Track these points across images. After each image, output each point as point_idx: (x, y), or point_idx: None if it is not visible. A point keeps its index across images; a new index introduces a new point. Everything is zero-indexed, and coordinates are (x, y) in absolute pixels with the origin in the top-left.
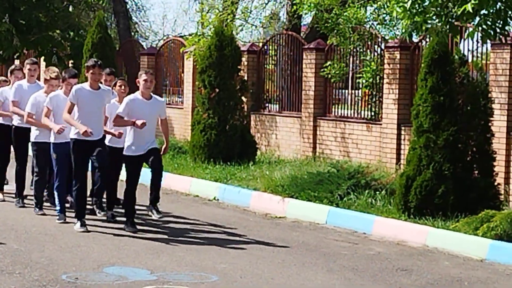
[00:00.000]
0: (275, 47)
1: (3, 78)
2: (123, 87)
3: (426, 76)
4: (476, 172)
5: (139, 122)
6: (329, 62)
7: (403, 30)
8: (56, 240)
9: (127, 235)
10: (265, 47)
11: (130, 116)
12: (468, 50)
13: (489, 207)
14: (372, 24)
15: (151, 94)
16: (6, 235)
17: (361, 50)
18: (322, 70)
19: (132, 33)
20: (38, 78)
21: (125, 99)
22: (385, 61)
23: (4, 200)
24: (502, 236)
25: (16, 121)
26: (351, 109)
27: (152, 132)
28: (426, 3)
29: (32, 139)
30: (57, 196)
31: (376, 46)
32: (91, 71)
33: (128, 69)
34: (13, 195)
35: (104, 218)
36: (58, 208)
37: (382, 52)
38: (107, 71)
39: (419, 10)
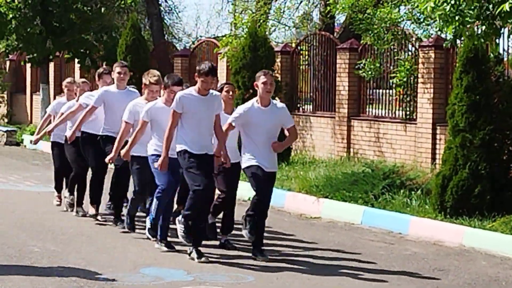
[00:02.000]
0: (308, 47)
1: (83, 79)
2: (230, 92)
3: (461, 75)
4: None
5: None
6: (363, 61)
7: (439, 31)
8: (93, 241)
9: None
10: (299, 47)
11: (245, 128)
12: (503, 49)
13: None
14: (406, 23)
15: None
16: (43, 237)
17: (395, 49)
18: (356, 68)
19: (166, 35)
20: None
21: (239, 108)
22: (420, 60)
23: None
24: None
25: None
26: (385, 109)
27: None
28: (463, 6)
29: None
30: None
31: (410, 46)
32: (202, 78)
33: (162, 71)
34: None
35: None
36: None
37: (416, 51)
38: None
39: (456, 15)
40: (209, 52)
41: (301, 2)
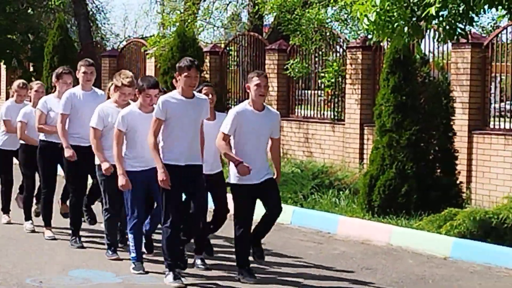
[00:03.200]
0: (237, 48)
1: (38, 82)
2: (210, 95)
3: (388, 76)
4: (439, 171)
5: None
6: (291, 61)
7: (366, 32)
8: (20, 244)
9: (90, 240)
10: (227, 48)
11: (237, 134)
12: (429, 50)
13: (451, 205)
14: (334, 24)
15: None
16: None
17: (323, 50)
18: (284, 68)
19: (93, 35)
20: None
21: (231, 113)
22: (347, 61)
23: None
24: (465, 234)
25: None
26: (314, 110)
27: (264, 154)
28: (393, 13)
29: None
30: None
31: (338, 47)
32: (185, 73)
33: None
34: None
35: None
36: (132, 253)
37: (344, 52)
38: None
39: (383, 15)
40: (137, 52)
41: (229, 2)
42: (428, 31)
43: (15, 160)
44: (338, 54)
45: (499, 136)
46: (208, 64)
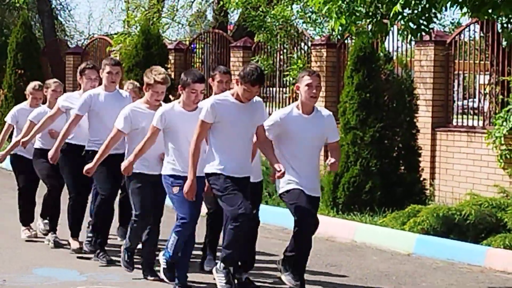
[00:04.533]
0: (202, 45)
1: (54, 80)
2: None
3: (352, 74)
4: (403, 167)
5: None
6: (256, 58)
7: (332, 31)
8: None
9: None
10: (192, 45)
11: (280, 140)
12: (393, 47)
13: (415, 202)
14: (299, 21)
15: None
16: None
17: (288, 47)
18: None
19: (58, 33)
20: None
21: (275, 115)
22: (312, 58)
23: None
24: (429, 230)
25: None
26: (279, 107)
27: (317, 166)
28: (355, 3)
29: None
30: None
31: (303, 44)
32: (245, 86)
33: (54, 69)
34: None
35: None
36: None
37: (309, 49)
38: (222, 69)
39: (347, 11)
40: (102, 50)
41: (194, 0)
42: (392, 28)
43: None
44: (303, 51)
45: (462, 133)
46: (172, 62)
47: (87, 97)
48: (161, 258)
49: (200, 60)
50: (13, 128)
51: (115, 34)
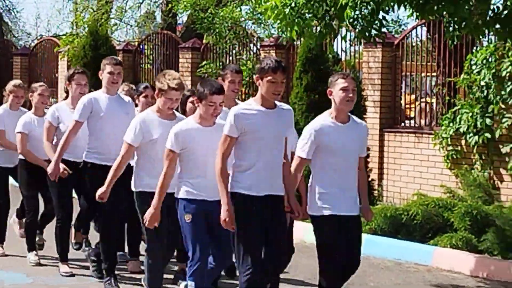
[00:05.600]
0: (152, 47)
1: (40, 83)
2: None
3: (301, 75)
4: None
5: None
6: (205, 62)
7: (282, 33)
8: None
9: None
10: (141, 46)
11: (314, 155)
12: (341, 49)
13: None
14: (248, 23)
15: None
16: None
17: (237, 49)
18: (198, 70)
19: (5, 34)
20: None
21: (308, 129)
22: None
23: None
24: (377, 230)
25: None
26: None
27: (355, 178)
28: (303, 9)
29: (136, 186)
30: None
31: (252, 45)
32: (269, 77)
33: (2, 70)
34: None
35: None
36: None
37: (258, 51)
38: (234, 68)
39: (297, 17)
40: (50, 51)
41: (143, 1)
42: (340, 30)
43: (11, 180)
44: (252, 53)
45: (410, 134)
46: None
47: (87, 102)
48: None
49: (149, 61)
50: None
51: (63, 35)
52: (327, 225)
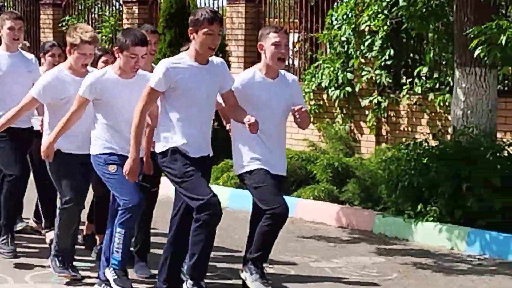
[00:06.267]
0: (13, 3)
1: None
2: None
3: (164, 30)
4: (216, 123)
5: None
6: (67, 17)
7: None
8: None
9: None
10: (1, 3)
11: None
12: (205, 4)
13: (229, 157)
14: None
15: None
16: None
17: (100, 5)
18: (60, 25)
19: None
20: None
21: (235, 81)
22: (124, 16)
23: None
24: (241, 184)
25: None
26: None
27: (283, 137)
28: None
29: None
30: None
31: (114, 1)
32: (205, 29)
33: None
34: None
35: None
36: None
37: (120, 7)
38: (150, 28)
39: None
40: None
41: None
42: None
43: None
44: (114, 9)
45: None
46: None
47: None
48: (108, 272)
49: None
50: None
51: None
52: (257, 175)
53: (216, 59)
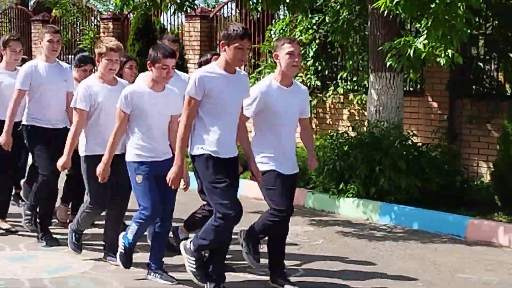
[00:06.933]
0: (8, 20)
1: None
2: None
3: (134, 42)
4: None
5: None
6: None
7: (115, 4)
8: None
9: None
10: None
11: (259, 117)
12: (168, 21)
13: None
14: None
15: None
16: None
17: (81, 21)
18: None
19: None
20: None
21: (254, 90)
22: (101, 30)
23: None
24: None
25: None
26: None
27: (294, 139)
28: None
29: (84, 151)
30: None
31: (93, 18)
32: (236, 44)
33: None
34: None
35: None
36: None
37: (98, 23)
38: (171, 38)
39: None
40: None
41: None
42: (162, 4)
43: None
44: (93, 25)
45: None
46: None
47: (28, 69)
48: (120, 240)
49: (7, 34)
50: None
51: None
52: (269, 177)
53: (241, 71)
